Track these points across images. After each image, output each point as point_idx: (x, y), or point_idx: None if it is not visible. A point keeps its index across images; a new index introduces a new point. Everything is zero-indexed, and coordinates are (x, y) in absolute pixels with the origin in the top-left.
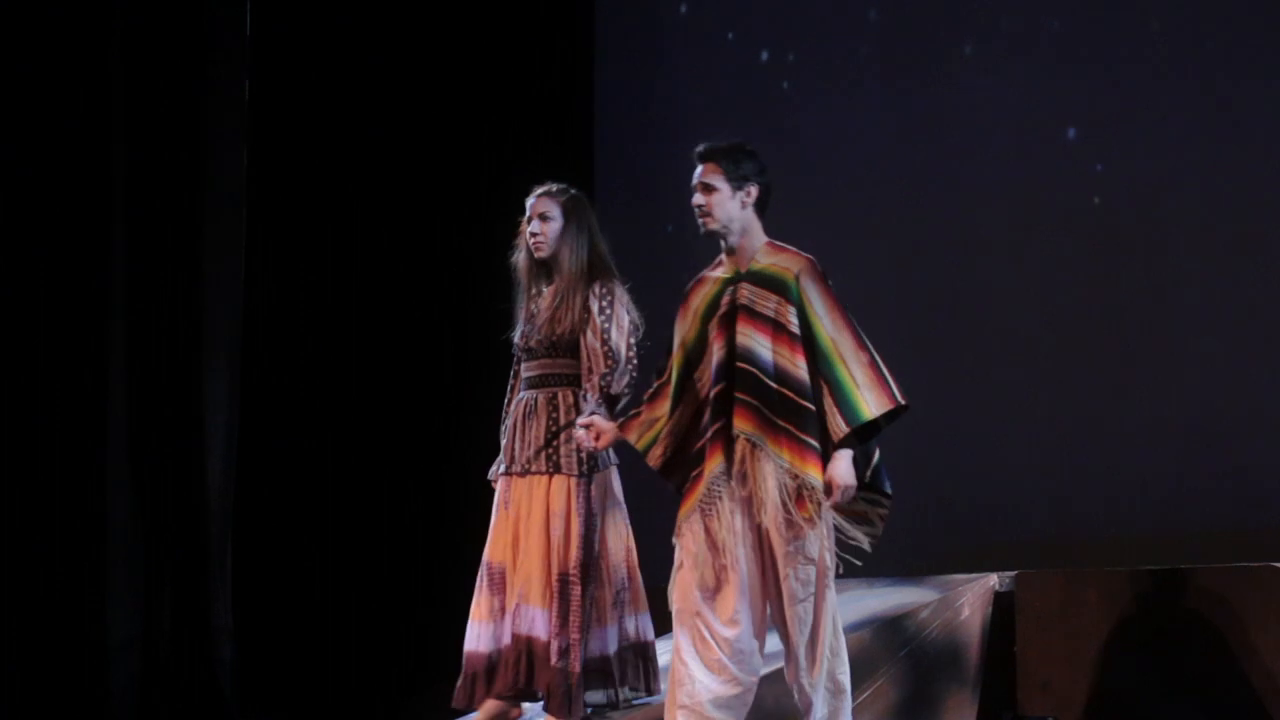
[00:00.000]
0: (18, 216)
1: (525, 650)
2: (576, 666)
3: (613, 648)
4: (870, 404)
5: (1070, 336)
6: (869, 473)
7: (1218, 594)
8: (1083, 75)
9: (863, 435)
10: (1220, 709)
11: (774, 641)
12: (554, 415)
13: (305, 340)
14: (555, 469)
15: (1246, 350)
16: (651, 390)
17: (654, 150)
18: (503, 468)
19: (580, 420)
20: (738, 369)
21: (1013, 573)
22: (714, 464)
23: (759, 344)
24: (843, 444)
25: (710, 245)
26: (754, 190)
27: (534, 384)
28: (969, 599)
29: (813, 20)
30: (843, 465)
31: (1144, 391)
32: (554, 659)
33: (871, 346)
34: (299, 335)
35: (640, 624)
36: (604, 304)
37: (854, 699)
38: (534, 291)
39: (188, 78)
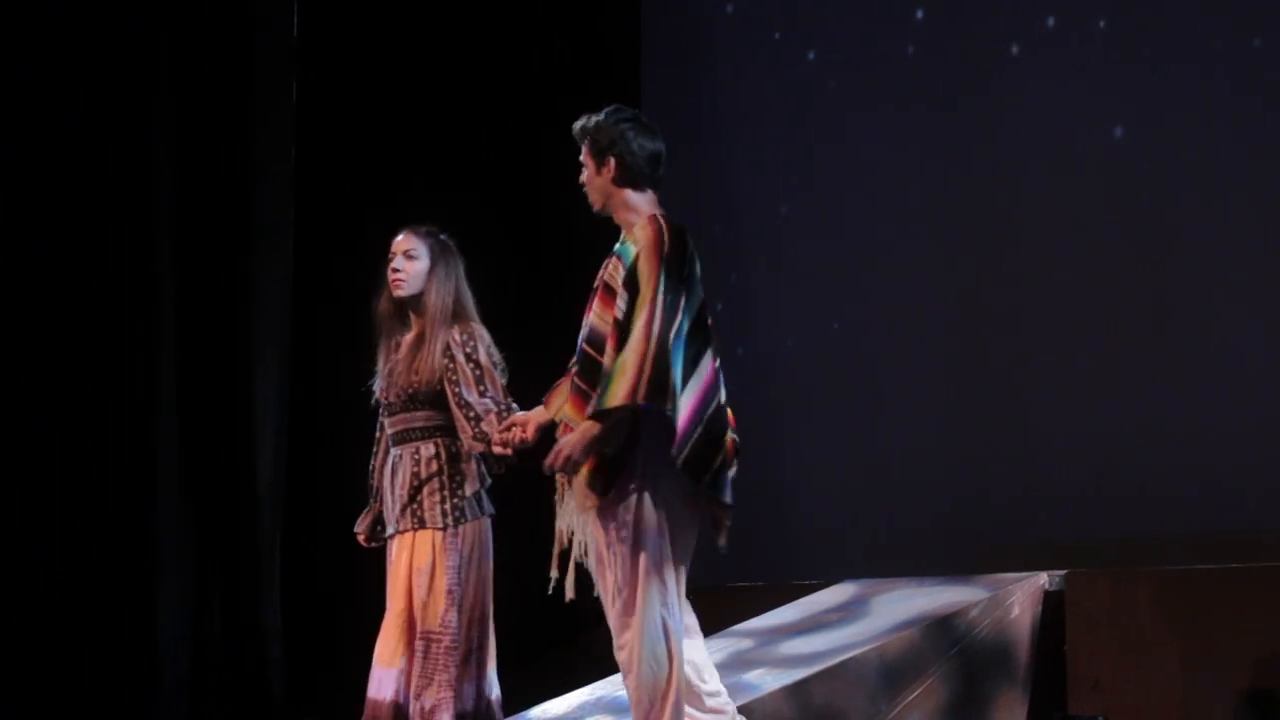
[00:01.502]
0: (65, 216)
1: (374, 715)
2: None
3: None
4: (615, 394)
5: (1119, 336)
6: (708, 476)
7: (1269, 593)
8: (1130, 74)
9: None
10: (1272, 709)
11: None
12: (415, 470)
13: (354, 338)
14: (420, 524)
15: None
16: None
17: (700, 151)
18: (387, 531)
19: (501, 426)
20: (580, 350)
21: (1063, 571)
22: None
23: (596, 316)
24: (592, 416)
25: (755, 244)
26: (612, 162)
27: (397, 440)
28: (1019, 598)
29: (859, 20)
30: (574, 434)
31: (1195, 390)
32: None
33: (658, 337)
34: (348, 334)
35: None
36: (469, 350)
37: (904, 697)
38: (393, 339)
39: (235, 78)
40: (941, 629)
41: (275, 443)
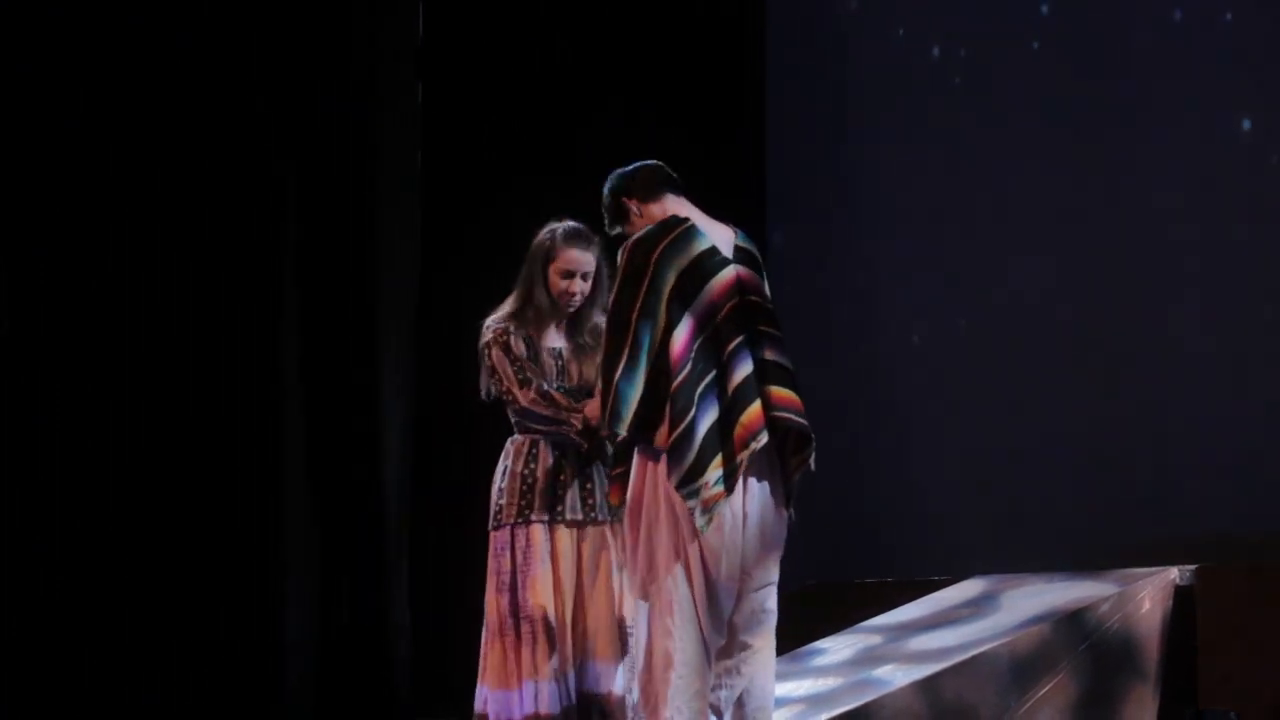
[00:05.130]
0: (190, 217)
1: (601, 709)
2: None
3: None
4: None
5: (1246, 330)
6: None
7: None
8: (1258, 65)
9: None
10: None
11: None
12: (600, 462)
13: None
14: (611, 516)
15: None
16: None
17: (826, 149)
18: (542, 516)
19: None
20: None
21: (1193, 566)
22: None
23: None
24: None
25: (879, 241)
26: (632, 199)
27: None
28: (1149, 593)
29: (984, 15)
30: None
31: None
32: (629, 713)
33: (609, 356)
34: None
35: None
36: None
37: (1035, 693)
38: (550, 334)
39: (360, 82)
40: (1072, 624)
41: (402, 439)
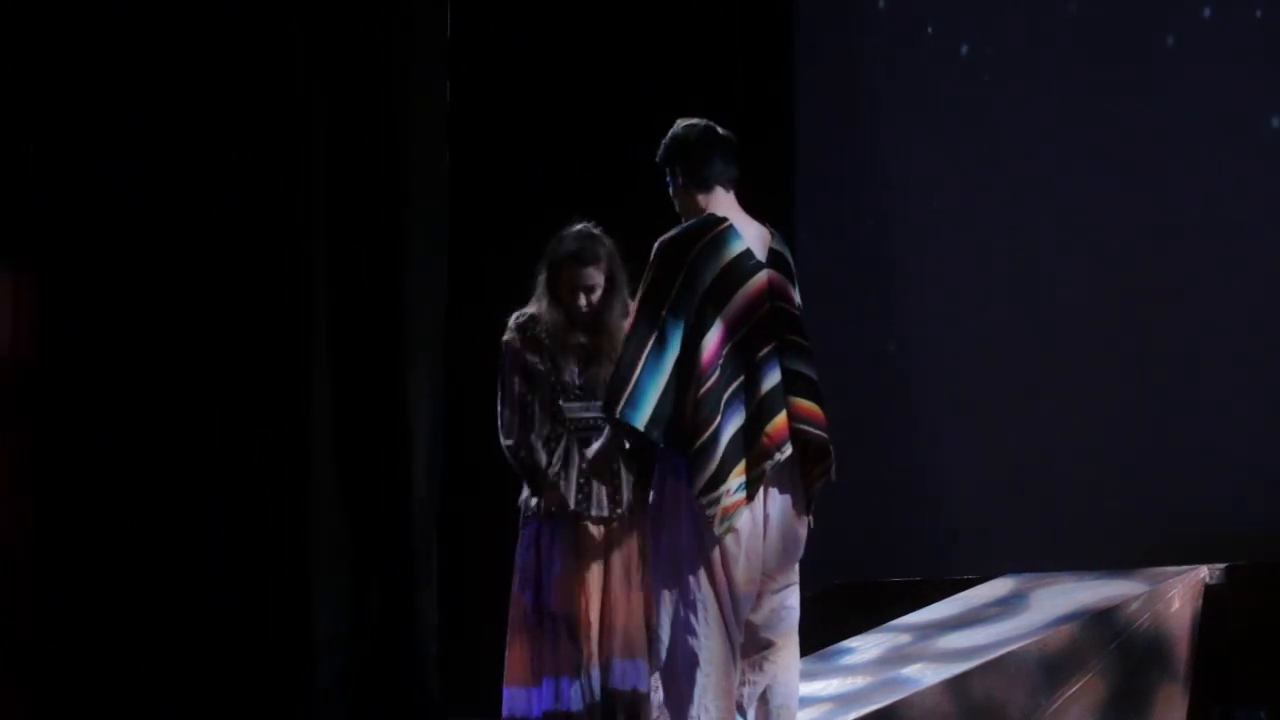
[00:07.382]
0: (220, 222)
1: (629, 706)
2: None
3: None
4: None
5: (1277, 328)
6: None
7: None
8: None
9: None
10: None
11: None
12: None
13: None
14: (639, 512)
15: None
16: None
17: (855, 147)
18: (568, 513)
19: None
20: None
21: (1223, 565)
22: None
23: None
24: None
25: (907, 239)
26: (679, 172)
27: (594, 425)
28: (1179, 591)
29: (1013, 13)
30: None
31: None
32: (654, 712)
33: (632, 346)
34: (500, 332)
35: None
36: None
37: (1064, 691)
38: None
39: (389, 79)
40: (1101, 623)
41: (430, 438)
